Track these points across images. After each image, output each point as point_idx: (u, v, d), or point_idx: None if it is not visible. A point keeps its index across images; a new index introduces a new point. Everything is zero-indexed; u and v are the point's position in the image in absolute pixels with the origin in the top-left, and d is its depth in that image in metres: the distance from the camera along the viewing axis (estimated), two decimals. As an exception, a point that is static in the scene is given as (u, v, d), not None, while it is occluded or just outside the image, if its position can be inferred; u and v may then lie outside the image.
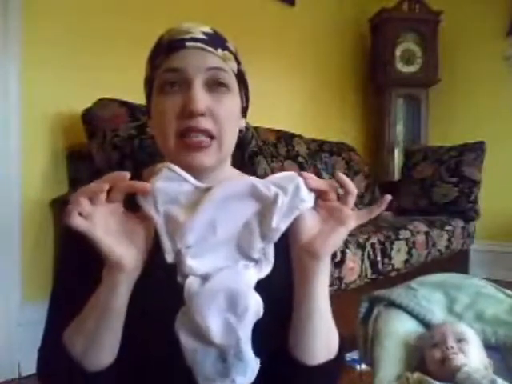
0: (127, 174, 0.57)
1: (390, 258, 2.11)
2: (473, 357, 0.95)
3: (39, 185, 1.82)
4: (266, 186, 0.60)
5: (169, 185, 0.59)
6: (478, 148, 2.91)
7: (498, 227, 3.33)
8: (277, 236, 0.60)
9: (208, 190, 0.59)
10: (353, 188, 0.62)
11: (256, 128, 2.37)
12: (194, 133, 0.67)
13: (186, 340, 0.59)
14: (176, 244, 0.58)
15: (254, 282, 0.59)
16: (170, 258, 0.58)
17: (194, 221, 0.57)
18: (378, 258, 2.03)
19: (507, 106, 3.38)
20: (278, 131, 2.60)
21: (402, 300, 1.11)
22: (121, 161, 1.66)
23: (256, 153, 2.18)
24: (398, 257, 2.17)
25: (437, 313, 1.10)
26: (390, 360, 1.04)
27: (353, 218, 0.62)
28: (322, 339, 0.67)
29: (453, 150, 2.96)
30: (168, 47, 0.69)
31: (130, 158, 1.66)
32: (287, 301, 0.67)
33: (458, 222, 2.76)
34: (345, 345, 0.73)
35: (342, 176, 0.62)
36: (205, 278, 0.58)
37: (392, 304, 1.12)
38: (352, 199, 0.62)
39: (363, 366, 1.14)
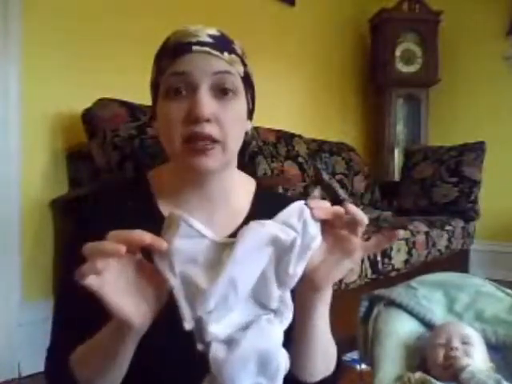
0: (148, 236, 0.52)
1: (390, 258, 2.11)
2: (476, 358, 0.95)
3: (39, 185, 1.82)
4: (284, 230, 0.55)
5: (186, 243, 0.53)
6: (478, 148, 2.91)
7: (498, 227, 3.33)
8: (294, 282, 0.56)
9: (227, 244, 0.54)
10: (363, 218, 0.58)
11: (256, 128, 2.37)
12: (199, 140, 0.66)
13: None
14: (196, 311, 0.52)
15: (281, 336, 0.56)
16: (189, 325, 0.53)
17: (216, 286, 0.52)
18: (378, 258, 2.03)
19: (507, 105, 3.38)
20: (278, 131, 2.60)
21: (402, 299, 1.11)
22: (121, 161, 1.66)
23: (256, 153, 2.18)
24: (398, 257, 2.17)
25: (437, 312, 1.10)
26: (390, 360, 1.03)
27: (360, 250, 0.59)
28: (320, 359, 0.68)
29: (453, 150, 2.96)
30: (174, 50, 0.68)
31: (130, 158, 1.66)
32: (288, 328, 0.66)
33: (457, 222, 2.76)
34: (341, 359, 0.74)
35: (351, 207, 0.58)
36: (229, 342, 0.54)
37: (392, 303, 1.11)
38: (361, 229, 0.58)
39: (363, 366, 1.14)
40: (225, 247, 0.54)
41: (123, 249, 0.50)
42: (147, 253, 0.54)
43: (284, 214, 0.56)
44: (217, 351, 0.53)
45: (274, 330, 0.55)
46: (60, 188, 1.85)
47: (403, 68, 3.45)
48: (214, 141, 0.67)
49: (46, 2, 1.83)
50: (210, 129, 0.66)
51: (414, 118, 3.56)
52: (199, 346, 0.54)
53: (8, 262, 1.71)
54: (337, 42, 3.52)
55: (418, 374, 0.96)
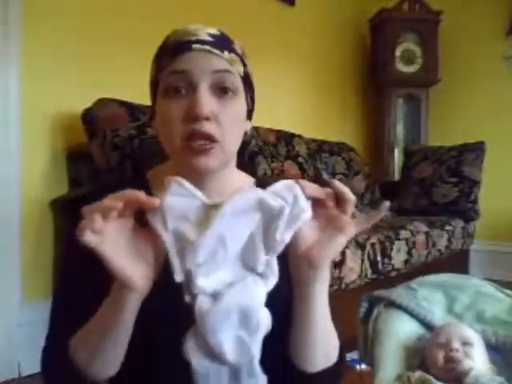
0: (142, 193, 0.55)
1: (390, 258, 2.11)
2: (477, 360, 0.95)
3: (39, 185, 1.82)
4: (273, 198, 0.58)
5: (178, 200, 0.57)
6: (478, 148, 2.91)
7: (498, 227, 3.33)
8: (281, 248, 0.59)
9: (217, 205, 0.57)
10: (350, 196, 0.60)
11: (256, 128, 2.37)
12: (198, 138, 0.66)
13: (197, 362, 0.57)
14: (186, 263, 0.56)
15: (264, 296, 0.59)
16: (179, 277, 0.56)
17: (204, 238, 0.55)
18: (378, 258, 2.03)
19: (507, 105, 3.38)
20: (278, 131, 2.60)
21: (402, 300, 1.11)
22: (121, 161, 1.66)
23: (256, 153, 2.18)
24: (398, 257, 2.17)
25: (437, 313, 1.10)
26: (390, 360, 1.03)
27: (352, 226, 0.61)
28: (320, 347, 0.68)
29: (453, 150, 2.96)
30: (174, 49, 0.68)
31: (130, 158, 1.66)
32: (289, 310, 0.66)
33: (457, 222, 2.76)
34: (344, 352, 0.74)
35: (338, 184, 0.60)
36: (215, 296, 0.57)
37: (392, 304, 1.11)
38: (350, 207, 0.60)
39: (363, 366, 1.14)
40: (214, 208, 0.57)
41: (120, 204, 0.53)
42: (141, 221, 0.57)
43: (275, 187, 0.60)
44: (202, 303, 0.56)
45: (258, 290, 0.58)
46: (60, 188, 1.85)
47: (403, 68, 3.45)
48: (213, 140, 0.67)
49: (45, 2, 1.83)
50: (209, 127, 0.66)
51: (413, 118, 3.56)
52: (187, 298, 0.57)
53: (8, 261, 1.71)
54: (337, 42, 3.52)
55: (418, 374, 0.96)
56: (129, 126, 1.73)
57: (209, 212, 0.57)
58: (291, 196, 0.59)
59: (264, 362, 0.60)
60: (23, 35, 1.75)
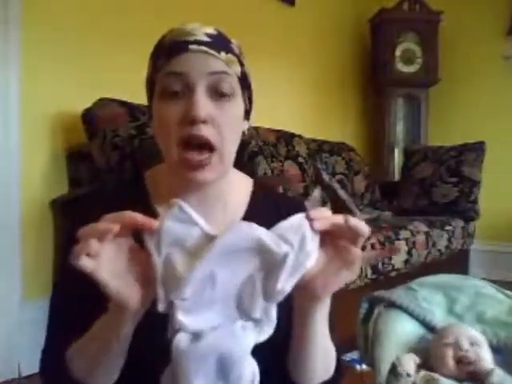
0: (138, 216, 0.53)
1: (390, 258, 2.11)
2: (490, 360, 0.96)
3: (39, 185, 1.82)
4: (276, 241, 0.53)
5: (177, 225, 0.53)
6: (478, 148, 2.91)
7: (498, 227, 3.33)
8: (281, 298, 0.54)
9: (215, 238, 0.53)
10: (365, 230, 0.56)
11: (256, 128, 2.37)
12: (195, 144, 0.65)
13: None
14: (170, 294, 0.52)
15: (250, 346, 0.54)
16: (161, 307, 0.53)
17: (192, 273, 0.52)
18: (378, 258, 2.03)
19: (507, 105, 3.38)
20: (278, 131, 2.60)
21: (403, 301, 1.11)
22: (121, 161, 1.66)
23: (256, 153, 2.18)
24: (398, 257, 2.16)
25: (437, 314, 1.10)
26: (390, 360, 1.03)
27: (359, 261, 0.57)
28: (319, 365, 0.68)
29: (453, 150, 2.96)
30: (170, 49, 0.67)
31: (130, 158, 1.66)
32: (286, 332, 0.65)
33: (458, 222, 2.76)
34: (341, 362, 0.74)
35: (352, 220, 0.56)
36: (196, 336, 0.53)
37: (392, 305, 1.11)
38: (362, 240, 0.57)
39: (363, 367, 1.15)
40: (212, 239, 0.53)
41: (116, 227, 0.52)
42: (139, 241, 0.55)
43: (282, 227, 0.54)
44: (179, 341, 0.53)
45: (245, 338, 0.54)
46: (60, 188, 1.85)
47: (403, 68, 3.45)
48: (211, 149, 0.66)
49: (45, 2, 1.83)
50: (206, 131, 0.65)
51: (413, 118, 3.56)
52: (169, 333, 0.54)
53: (8, 261, 1.71)
54: (337, 42, 3.52)
55: (423, 373, 0.96)
56: (129, 126, 1.73)
57: (206, 243, 0.53)
58: (298, 238, 0.53)
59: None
60: (23, 35, 1.75)
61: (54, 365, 0.66)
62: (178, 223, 0.54)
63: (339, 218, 0.56)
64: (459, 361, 0.96)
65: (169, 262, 0.53)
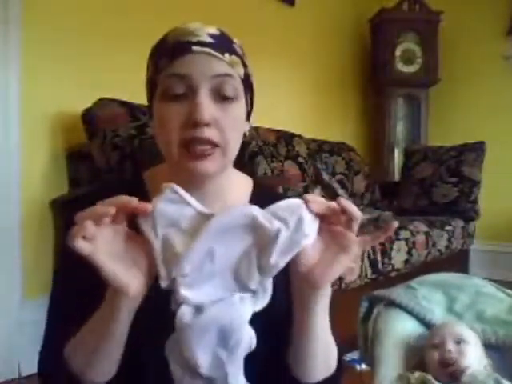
0: (134, 199, 0.55)
1: (390, 258, 2.11)
2: (472, 357, 0.95)
3: (39, 185, 1.82)
4: (268, 219, 0.56)
5: (170, 207, 0.56)
6: (478, 148, 2.91)
7: (498, 227, 3.33)
8: (275, 272, 0.57)
9: (210, 216, 0.56)
10: (357, 213, 0.58)
11: (256, 128, 2.37)
12: (198, 144, 0.65)
13: (174, 367, 0.58)
14: (171, 272, 0.55)
15: (248, 316, 0.57)
16: (164, 283, 0.56)
17: (191, 250, 0.55)
18: (378, 258, 2.03)
19: (507, 105, 3.38)
20: (278, 131, 2.60)
21: (402, 300, 1.11)
22: (121, 161, 1.66)
23: (256, 153, 2.18)
24: (398, 257, 2.17)
25: (437, 312, 1.10)
26: (390, 360, 1.04)
27: (356, 245, 0.59)
28: (320, 359, 0.67)
29: (453, 150, 2.96)
30: (172, 50, 0.66)
31: (130, 158, 1.66)
32: (286, 323, 0.66)
33: (457, 222, 2.76)
34: (342, 361, 0.74)
35: (344, 202, 0.58)
36: (198, 309, 0.56)
37: (392, 304, 1.12)
38: (356, 224, 0.58)
39: (363, 366, 1.15)
40: (207, 218, 0.56)
41: (112, 209, 0.53)
42: (134, 229, 0.57)
43: (278, 206, 0.58)
44: (183, 314, 0.56)
45: (244, 309, 0.57)
46: (60, 188, 1.85)
47: (403, 68, 3.45)
48: (214, 145, 0.66)
49: (46, 2, 1.83)
50: (209, 133, 0.65)
51: (413, 118, 3.56)
52: (172, 306, 0.57)
53: (8, 261, 1.71)
54: (337, 42, 3.52)
55: (418, 374, 0.96)
56: (129, 126, 1.73)
57: (202, 221, 0.56)
58: (294, 219, 0.56)
59: (255, 375, 0.60)
60: (23, 35, 1.75)
61: (53, 361, 0.66)
62: (171, 204, 0.56)
63: (332, 203, 0.58)
64: (442, 363, 0.97)
65: (166, 241, 0.56)
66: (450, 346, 0.97)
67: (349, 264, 0.59)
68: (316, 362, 0.67)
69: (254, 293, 0.58)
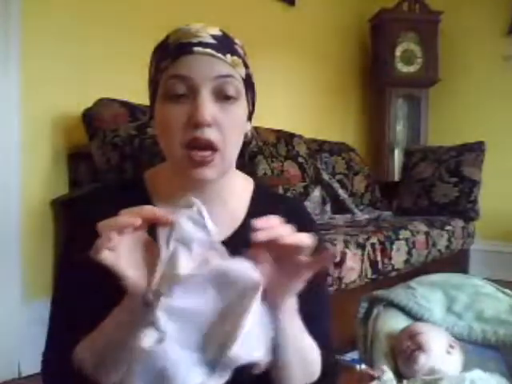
0: (158, 210, 0.56)
1: (390, 258, 2.11)
2: (432, 346, 0.98)
3: (39, 185, 1.82)
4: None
5: (189, 225, 0.56)
6: (477, 148, 2.91)
7: (498, 227, 3.33)
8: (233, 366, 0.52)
9: (219, 247, 0.56)
10: (307, 242, 0.56)
11: (256, 128, 2.37)
12: (199, 145, 0.65)
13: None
14: (162, 288, 0.53)
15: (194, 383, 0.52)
16: (150, 295, 0.54)
17: (188, 281, 0.53)
18: (378, 258, 2.03)
19: (507, 106, 3.38)
20: (278, 131, 2.60)
21: (401, 299, 1.11)
22: (121, 161, 1.66)
23: (256, 153, 2.18)
24: (398, 257, 2.16)
25: (436, 312, 1.11)
26: (390, 359, 1.04)
27: (307, 269, 0.57)
28: (296, 367, 0.66)
29: (453, 150, 2.96)
30: (175, 51, 0.67)
31: (130, 158, 1.66)
32: None
33: (457, 222, 2.76)
34: (338, 367, 0.74)
35: (291, 238, 0.55)
36: (160, 339, 0.52)
37: (391, 304, 1.12)
38: (307, 251, 0.56)
39: (363, 366, 1.15)
40: (215, 249, 0.56)
41: (138, 220, 0.53)
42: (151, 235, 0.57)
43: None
44: (145, 336, 0.52)
45: (193, 375, 0.52)
46: (60, 188, 1.85)
47: (403, 68, 3.45)
48: (214, 149, 0.66)
49: (46, 2, 1.83)
50: (210, 133, 0.65)
51: (413, 118, 3.56)
52: (144, 321, 0.54)
53: (8, 261, 1.71)
54: (337, 42, 3.52)
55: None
56: (129, 126, 1.73)
57: (208, 250, 0.55)
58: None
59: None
60: (23, 34, 1.75)
61: (59, 362, 0.66)
62: (191, 223, 0.56)
63: (280, 233, 0.55)
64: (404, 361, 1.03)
65: (173, 257, 0.55)
66: (404, 345, 1.02)
67: (301, 286, 0.58)
68: (292, 372, 0.66)
69: (212, 367, 0.53)
